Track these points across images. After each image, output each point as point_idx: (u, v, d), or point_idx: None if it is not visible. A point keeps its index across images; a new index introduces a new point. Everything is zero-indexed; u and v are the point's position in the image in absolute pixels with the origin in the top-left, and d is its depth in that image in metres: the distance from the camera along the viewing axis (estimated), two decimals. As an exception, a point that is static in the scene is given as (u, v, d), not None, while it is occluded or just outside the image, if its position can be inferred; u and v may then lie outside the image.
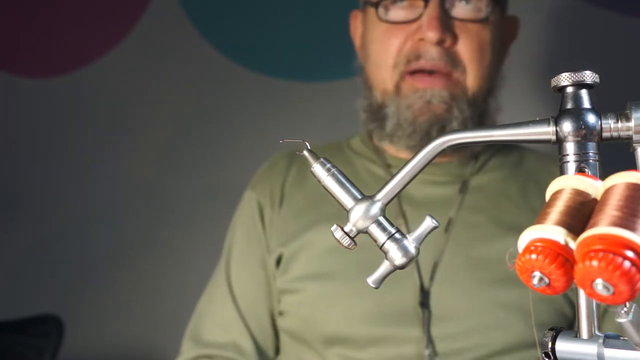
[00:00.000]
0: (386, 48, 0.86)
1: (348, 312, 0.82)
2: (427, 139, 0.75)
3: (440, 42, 0.84)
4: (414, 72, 0.85)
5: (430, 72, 0.85)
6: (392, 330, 0.80)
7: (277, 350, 0.91)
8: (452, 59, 0.85)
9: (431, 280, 0.82)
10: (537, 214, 0.97)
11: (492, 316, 0.80)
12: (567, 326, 0.83)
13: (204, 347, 0.87)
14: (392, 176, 0.41)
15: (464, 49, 0.85)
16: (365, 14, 0.92)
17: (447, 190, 0.88)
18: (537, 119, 0.39)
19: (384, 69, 0.87)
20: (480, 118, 0.87)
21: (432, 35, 0.83)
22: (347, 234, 0.41)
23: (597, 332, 0.37)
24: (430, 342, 0.79)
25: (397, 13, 0.87)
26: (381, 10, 0.87)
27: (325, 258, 0.84)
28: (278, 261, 0.88)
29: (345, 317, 0.82)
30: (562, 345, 0.38)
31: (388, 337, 0.80)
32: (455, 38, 0.85)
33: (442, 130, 0.85)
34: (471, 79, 0.86)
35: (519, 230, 0.99)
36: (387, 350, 0.80)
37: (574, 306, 0.83)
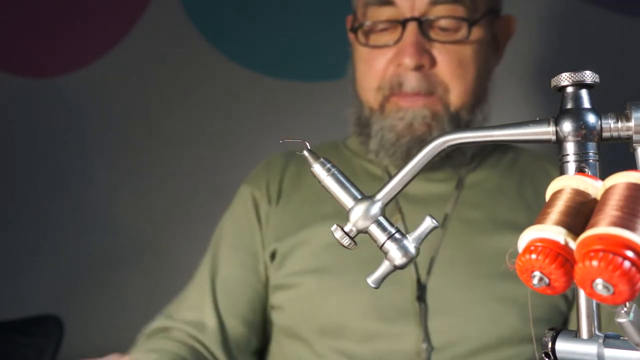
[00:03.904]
0: (370, 70, 0.87)
1: (344, 306, 0.82)
2: (408, 158, 0.76)
3: (418, 68, 0.83)
4: None
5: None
6: (389, 325, 0.80)
7: (265, 341, 0.91)
8: (432, 82, 0.84)
9: (428, 274, 0.82)
10: (533, 210, 0.95)
11: (486, 309, 0.80)
12: (562, 320, 0.84)
13: (168, 320, 0.87)
14: (392, 176, 0.42)
15: (444, 70, 0.84)
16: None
17: (444, 187, 0.89)
18: (537, 119, 0.39)
19: (368, 90, 0.87)
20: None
21: (409, 61, 0.83)
22: (347, 233, 0.41)
23: (597, 332, 0.37)
24: (427, 336, 0.79)
25: (376, 37, 0.86)
26: (360, 35, 0.87)
27: (322, 254, 0.84)
28: (272, 256, 0.88)
29: (341, 312, 0.82)
30: (562, 345, 0.38)
31: (384, 332, 0.80)
32: (433, 60, 0.84)
33: None
34: (454, 96, 0.85)
35: (514, 225, 0.97)
36: (383, 344, 0.80)
37: (568, 300, 0.84)
